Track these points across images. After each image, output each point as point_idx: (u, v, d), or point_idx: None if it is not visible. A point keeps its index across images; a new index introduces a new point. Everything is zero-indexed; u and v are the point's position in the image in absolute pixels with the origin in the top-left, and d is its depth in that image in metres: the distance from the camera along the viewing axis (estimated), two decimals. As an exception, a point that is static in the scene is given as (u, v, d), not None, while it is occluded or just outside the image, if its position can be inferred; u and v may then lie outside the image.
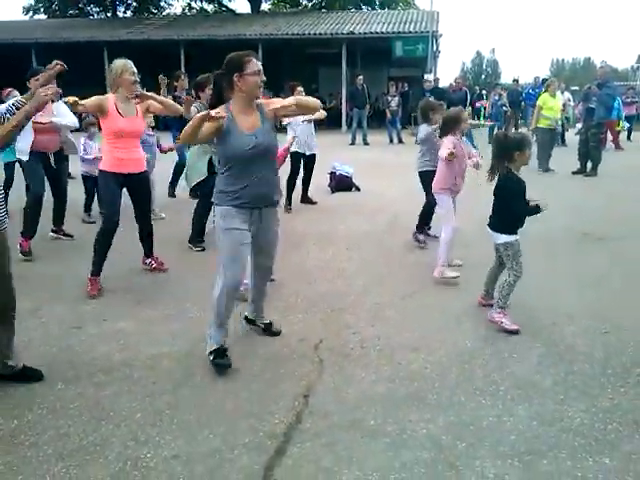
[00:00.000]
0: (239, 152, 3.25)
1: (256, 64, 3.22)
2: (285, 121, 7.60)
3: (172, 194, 8.60)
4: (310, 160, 8.13)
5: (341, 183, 9.26)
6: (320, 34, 22.01)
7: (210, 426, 2.86)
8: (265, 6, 33.51)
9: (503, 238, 4.01)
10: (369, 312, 4.36)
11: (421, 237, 6.11)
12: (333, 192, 9.19)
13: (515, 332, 3.89)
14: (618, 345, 3.75)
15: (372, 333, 3.97)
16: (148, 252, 5.30)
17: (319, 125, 17.12)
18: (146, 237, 5.23)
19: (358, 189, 9.33)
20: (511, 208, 3.96)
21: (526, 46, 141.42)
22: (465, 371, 3.43)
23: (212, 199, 3.45)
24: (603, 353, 3.64)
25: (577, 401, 3.09)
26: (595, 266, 5.45)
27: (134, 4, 34.83)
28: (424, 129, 5.92)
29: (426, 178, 5.83)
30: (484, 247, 5.83)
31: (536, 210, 3.91)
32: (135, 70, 4.68)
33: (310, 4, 32.52)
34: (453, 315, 4.27)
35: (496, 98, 17.04)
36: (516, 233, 4.01)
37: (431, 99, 6.36)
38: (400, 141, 17.02)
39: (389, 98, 17.49)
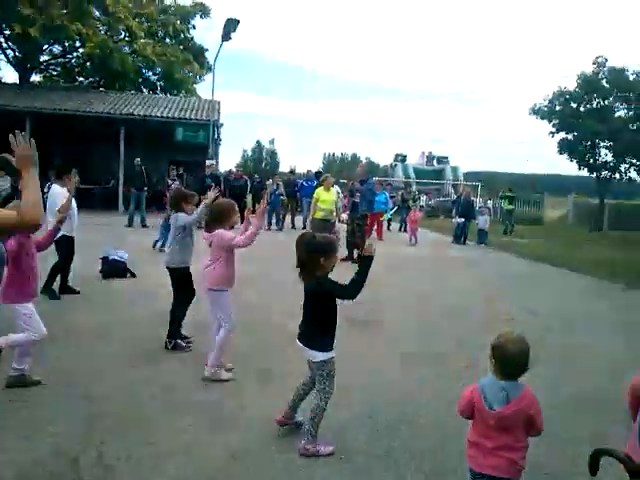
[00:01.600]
0: None
1: None
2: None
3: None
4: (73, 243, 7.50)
5: (114, 269, 8.72)
6: (97, 112, 21.35)
7: None
8: (35, 78, 31.68)
9: (320, 356, 3.56)
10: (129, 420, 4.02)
11: (183, 343, 5.52)
12: (105, 278, 8.60)
13: (332, 452, 3.55)
14: (387, 432, 3.96)
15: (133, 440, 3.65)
16: None
17: (92, 207, 16.27)
18: None
19: (133, 275, 8.87)
20: (340, 298, 3.55)
21: (302, 138, 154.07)
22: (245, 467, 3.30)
23: None
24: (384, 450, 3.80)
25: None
26: (362, 352, 5.79)
27: None
28: (183, 218, 5.43)
29: (179, 275, 5.51)
30: (264, 336, 5.91)
31: (367, 262, 3.52)
32: None
33: (87, 81, 31.57)
34: (228, 411, 4.15)
35: (274, 187, 18.00)
36: (333, 348, 3.61)
37: (183, 188, 6.06)
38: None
39: (169, 181, 17.37)
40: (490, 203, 28.18)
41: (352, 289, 3.51)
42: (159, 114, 22.11)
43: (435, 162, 37.36)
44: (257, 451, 3.56)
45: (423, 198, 30.34)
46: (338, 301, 3.61)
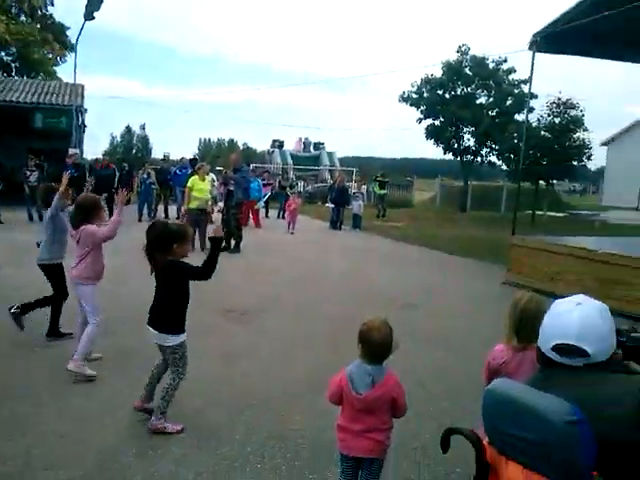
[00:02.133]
0: None
1: None
2: None
3: None
4: None
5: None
6: (-60, 96, 19.28)
7: None
8: None
9: (173, 339, 3.66)
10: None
11: (23, 323, 5.36)
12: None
13: (181, 431, 3.66)
14: (258, 421, 3.93)
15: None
16: None
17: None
18: None
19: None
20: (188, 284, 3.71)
21: (176, 123, 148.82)
22: (109, 472, 3.12)
23: None
24: (244, 432, 3.76)
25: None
26: (239, 341, 5.74)
27: None
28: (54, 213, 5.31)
29: (50, 272, 5.39)
30: (132, 335, 5.63)
31: (216, 243, 3.71)
32: None
33: None
34: (94, 413, 3.92)
35: (145, 176, 17.25)
36: (184, 331, 3.73)
37: (53, 184, 5.75)
38: (41, 219, 15.66)
39: (27, 172, 16.10)
40: (364, 188, 29.06)
41: (205, 270, 3.66)
42: (14, 99, 20.35)
43: (312, 148, 37.85)
44: (116, 447, 3.41)
45: (301, 184, 30.67)
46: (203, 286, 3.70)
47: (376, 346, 2.77)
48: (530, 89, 11.97)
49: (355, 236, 16.53)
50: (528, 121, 18.42)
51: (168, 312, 3.69)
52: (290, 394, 4.42)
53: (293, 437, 3.72)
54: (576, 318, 1.66)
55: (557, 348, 1.66)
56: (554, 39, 9.50)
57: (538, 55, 9.97)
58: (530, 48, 9.76)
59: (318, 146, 37.76)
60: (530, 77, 10.68)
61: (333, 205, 18.16)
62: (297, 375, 4.84)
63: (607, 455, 1.47)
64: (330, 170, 34.30)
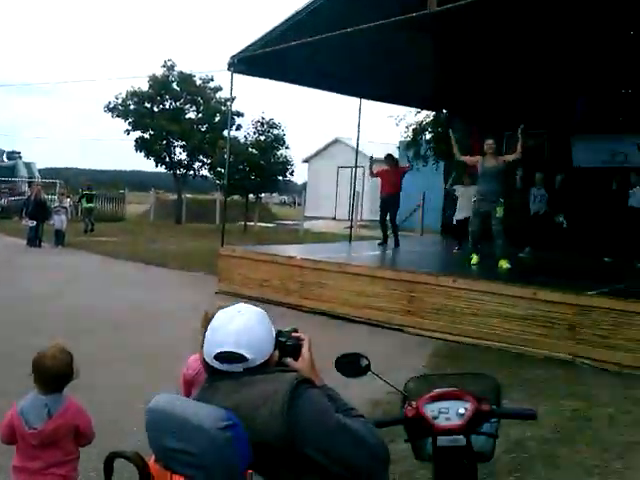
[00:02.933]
0: None
1: None
2: None
3: None
4: None
5: None
6: None
7: None
8: None
9: None
10: None
11: None
12: None
13: None
14: None
15: None
16: None
17: None
18: None
19: None
20: None
21: None
22: None
23: None
24: None
25: None
26: None
27: None
28: None
29: None
30: None
31: None
32: None
33: None
34: None
35: None
36: None
37: None
38: None
39: None
40: (68, 201, 27.07)
41: None
42: None
43: (5, 157, 33.78)
44: None
45: (-9, 197, 27.22)
46: None
47: (49, 375, 2.56)
48: (231, 107, 12.58)
49: (58, 254, 15.24)
50: (236, 138, 19.33)
51: None
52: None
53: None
54: (235, 325, 1.70)
55: (219, 356, 1.69)
56: (250, 62, 10.10)
57: (250, 76, 10.53)
58: (229, 69, 10.23)
59: (12, 155, 33.78)
60: (231, 95, 11.19)
61: (29, 220, 16.49)
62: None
63: (263, 455, 1.55)
64: (29, 182, 30.96)
